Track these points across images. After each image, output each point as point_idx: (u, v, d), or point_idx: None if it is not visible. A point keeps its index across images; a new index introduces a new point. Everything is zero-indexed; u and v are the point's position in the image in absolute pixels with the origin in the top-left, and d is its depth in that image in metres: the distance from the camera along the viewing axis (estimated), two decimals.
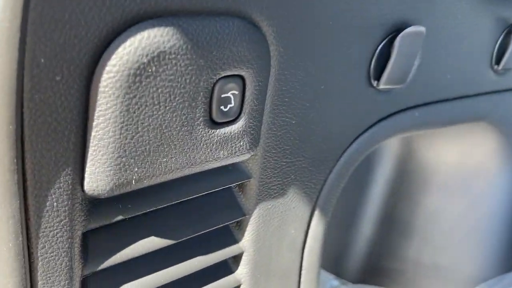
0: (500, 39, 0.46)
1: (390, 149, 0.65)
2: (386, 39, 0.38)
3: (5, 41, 0.21)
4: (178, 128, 0.29)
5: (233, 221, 0.36)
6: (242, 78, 0.30)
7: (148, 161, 0.28)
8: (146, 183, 0.29)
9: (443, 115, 0.47)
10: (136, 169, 0.28)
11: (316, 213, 0.42)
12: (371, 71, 0.38)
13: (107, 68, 0.25)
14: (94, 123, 0.26)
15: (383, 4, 0.36)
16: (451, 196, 0.64)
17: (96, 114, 0.26)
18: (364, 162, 0.66)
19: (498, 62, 0.48)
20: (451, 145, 0.62)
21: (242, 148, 0.33)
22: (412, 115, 0.44)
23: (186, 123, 0.29)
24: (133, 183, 0.28)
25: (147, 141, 0.27)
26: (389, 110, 0.42)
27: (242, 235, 0.38)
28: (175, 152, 0.29)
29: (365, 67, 0.38)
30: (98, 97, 0.25)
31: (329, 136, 0.39)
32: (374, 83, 0.39)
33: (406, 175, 0.66)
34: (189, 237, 0.34)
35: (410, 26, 0.38)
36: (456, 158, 0.63)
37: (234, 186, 0.36)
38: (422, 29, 0.38)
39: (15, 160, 0.24)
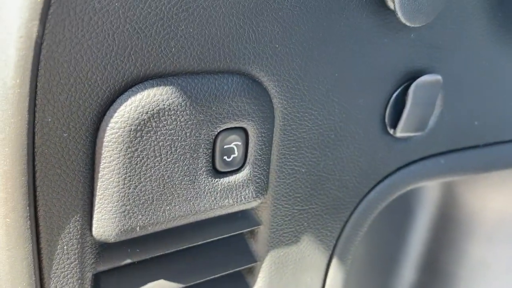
0: None
1: (430, 194, 0.63)
2: (401, 88, 0.38)
3: (16, 104, 0.24)
4: (181, 178, 0.30)
5: (244, 267, 0.37)
6: (244, 129, 0.32)
7: (151, 209, 0.30)
8: (150, 229, 0.31)
9: (474, 162, 0.45)
10: (140, 216, 0.30)
11: (334, 261, 0.41)
12: (387, 119, 0.38)
13: (110, 125, 0.27)
14: (100, 174, 0.28)
15: (394, 54, 0.36)
16: (498, 246, 0.60)
17: (101, 166, 0.28)
18: (403, 206, 0.64)
19: None
20: (496, 191, 0.59)
21: (248, 196, 0.34)
22: (436, 163, 0.43)
23: (188, 173, 0.30)
24: (138, 229, 0.30)
25: (150, 191, 0.29)
26: (410, 157, 0.41)
27: (255, 282, 0.38)
28: (179, 201, 0.31)
29: (379, 115, 0.38)
30: (103, 151, 0.28)
31: (344, 184, 0.39)
32: (391, 131, 0.39)
33: (449, 221, 0.63)
34: (199, 281, 0.35)
35: (425, 74, 0.38)
36: (502, 205, 0.59)
37: (246, 232, 0.37)
38: (437, 77, 0.38)
39: (27, 208, 0.27)
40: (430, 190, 0.62)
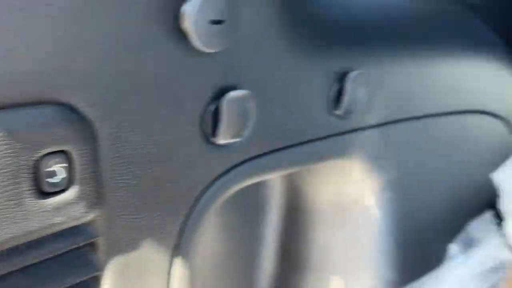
0: (334, 86, 0.54)
1: (275, 187, 0.71)
2: (215, 104, 0.44)
3: None
4: (6, 202, 0.33)
5: (85, 278, 0.40)
6: (67, 152, 0.35)
7: None
8: None
9: (292, 159, 0.53)
10: None
11: (177, 260, 0.46)
12: (205, 129, 0.44)
13: None
14: None
15: (201, 77, 0.42)
16: (336, 230, 0.70)
17: None
18: (255, 201, 0.72)
19: (337, 107, 0.55)
20: (328, 181, 0.69)
21: (80, 212, 0.37)
22: (259, 163, 0.50)
23: (13, 197, 0.33)
24: None
25: None
26: (234, 161, 0.48)
27: None
28: (6, 224, 0.33)
29: (198, 126, 0.44)
30: None
31: (174, 194, 0.44)
32: (211, 140, 0.45)
33: (294, 212, 0.72)
34: None
35: (234, 90, 0.44)
36: (333, 193, 0.69)
37: (85, 245, 0.40)
38: (245, 92, 0.45)
39: None
40: (274, 184, 0.71)
